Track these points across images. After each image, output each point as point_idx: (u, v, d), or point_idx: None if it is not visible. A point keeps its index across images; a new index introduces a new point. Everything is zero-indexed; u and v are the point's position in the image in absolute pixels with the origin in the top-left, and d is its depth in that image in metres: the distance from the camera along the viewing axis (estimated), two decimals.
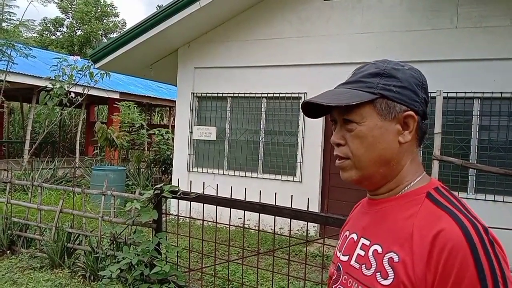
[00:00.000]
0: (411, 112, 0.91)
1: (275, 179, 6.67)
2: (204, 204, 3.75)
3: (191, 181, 3.98)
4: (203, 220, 3.87)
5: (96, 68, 7.93)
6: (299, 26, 6.60)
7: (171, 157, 10.35)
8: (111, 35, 30.27)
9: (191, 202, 3.76)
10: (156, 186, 3.82)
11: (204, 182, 4.01)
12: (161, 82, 19.32)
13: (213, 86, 7.25)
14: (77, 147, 12.63)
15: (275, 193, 4.30)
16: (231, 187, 3.73)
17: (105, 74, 8.62)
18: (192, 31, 7.23)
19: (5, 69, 7.69)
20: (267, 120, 6.87)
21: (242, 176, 6.90)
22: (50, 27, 30.22)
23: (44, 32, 29.79)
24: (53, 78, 8.14)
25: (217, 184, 3.78)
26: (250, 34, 6.97)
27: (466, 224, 0.79)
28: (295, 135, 6.64)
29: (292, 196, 3.64)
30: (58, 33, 30.73)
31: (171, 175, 10.66)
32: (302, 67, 6.60)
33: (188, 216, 4.18)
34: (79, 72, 8.09)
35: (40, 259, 4.45)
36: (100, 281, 3.91)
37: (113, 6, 30.68)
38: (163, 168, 10.42)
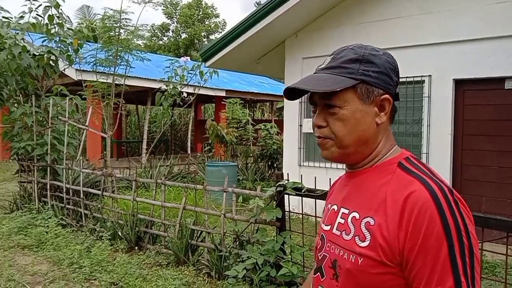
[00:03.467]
0: (387, 96, 1.00)
1: None
2: (317, 200, 3.48)
3: (301, 176, 3.72)
4: (315, 217, 3.58)
5: (206, 67, 8.05)
6: (421, 2, 5.93)
7: (277, 151, 10.28)
8: (213, 36, 31.42)
9: (303, 198, 3.53)
10: (279, 182, 3.60)
11: (315, 177, 3.72)
12: (263, 76, 19.44)
13: None
14: (189, 144, 13.15)
15: None
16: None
17: (214, 73, 8.75)
18: (300, 20, 6.94)
19: (124, 73, 8.16)
20: None
21: None
22: (158, 33, 32.29)
23: (152, 38, 31.95)
24: (167, 79, 8.44)
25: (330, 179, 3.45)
26: (363, 17, 6.47)
27: (433, 186, 0.88)
28: (418, 124, 6.01)
29: None
30: (165, 38, 32.75)
31: (278, 169, 10.67)
32: (425, 47, 5.93)
33: (301, 212, 3.90)
34: (190, 72, 8.29)
35: (165, 255, 4.52)
36: (225, 280, 3.82)
37: (214, 8, 31.78)
38: (270, 163, 10.37)
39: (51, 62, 6.69)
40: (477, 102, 5.66)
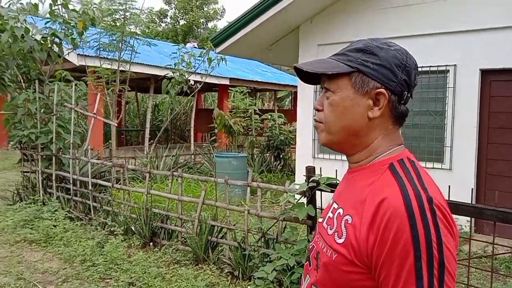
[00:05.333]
0: (382, 90, 0.94)
1: None
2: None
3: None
4: None
5: (216, 53, 7.73)
6: None
7: (284, 142, 10.03)
8: (212, 23, 30.88)
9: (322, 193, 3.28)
10: (312, 177, 3.34)
11: (336, 170, 3.46)
12: (266, 64, 19.08)
13: None
14: (192, 133, 12.86)
15: None
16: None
17: (222, 60, 8.44)
18: (316, 4, 6.63)
19: (129, 59, 7.84)
20: None
21: None
22: (155, 19, 31.66)
23: (150, 24, 31.32)
24: (173, 66, 8.12)
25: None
26: (383, 1, 6.17)
27: (410, 192, 0.85)
28: (442, 115, 5.76)
29: (449, 186, 2.94)
30: (163, 24, 32.10)
31: (284, 160, 10.43)
32: (449, 36, 5.66)
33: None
34: (198, 58, 7.98)
35: (183, 252, 4.28)
36: (251, 281, 3.58)
37: None
38: (276, 154, 10.12)
39: (54, 45, 6.35)
40: (504, 94, 5.42)
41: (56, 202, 5.62)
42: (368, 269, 0.87)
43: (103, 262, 4.00)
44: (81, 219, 5.31)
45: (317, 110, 1.02)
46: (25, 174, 6.57)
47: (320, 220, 1.08)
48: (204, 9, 30.62)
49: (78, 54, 8.65)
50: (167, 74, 8.44)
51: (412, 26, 5.92)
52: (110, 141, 8.01)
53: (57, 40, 6.30)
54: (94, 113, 6.01)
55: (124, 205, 5.02)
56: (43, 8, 6.26)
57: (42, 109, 6.19)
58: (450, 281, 0.82)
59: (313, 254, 1.05)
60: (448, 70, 5.68)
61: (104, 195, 5.46)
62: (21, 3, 6.21)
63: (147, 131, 11.49)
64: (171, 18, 31.45)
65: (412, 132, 5.94)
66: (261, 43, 7.61)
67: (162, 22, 32.04)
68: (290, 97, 20.93)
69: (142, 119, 17.76)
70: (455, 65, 5.59)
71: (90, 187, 5.38)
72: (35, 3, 6.36)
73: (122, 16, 7.59)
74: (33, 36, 6.00)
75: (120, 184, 5.12)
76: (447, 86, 5.69)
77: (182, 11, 29.74)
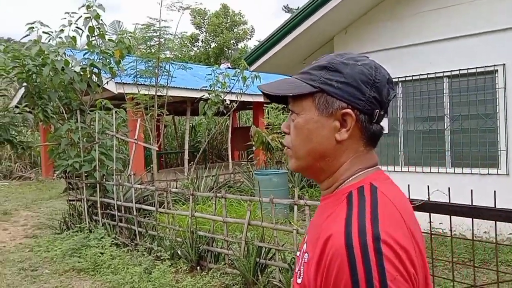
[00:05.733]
0: (348, 110, 0.86)
1: (471, 173, 5.52)
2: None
3: None
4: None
5: (250, 71, 7.71)
6: None
7: None
8: (242, 43, 31.22)
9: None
10: None
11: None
12: None
13: None
14: (229, 152, 12.86)
15: (471, 190, 3.19)
16: (408, 185, 2.95)
17: (256, 77, 8.41)
18: (349, 15, 6.50)
19: (166, 84, 7.95)
20: (452, 103, 5.77)
21: (424, 172, 5.92)
22: (188, 44, 32.39)
23: (182, 49, 32.05)
24: (209, 87, 8.16)
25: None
26: (420, 5, 5.96)
27: (353, 230, 0.75)
28: (493, 118, 5.43)
29: (495, 192, 2.68)
30: (195, 48, 32.79)
31: None
32: (495, 34, 5.36)
33: None
34: (232, 78, 7.98)
35: (231, 276, 4.15)
36: None
37: (241, 15, 31.60)
38: None
39: (93, 75, 6.50)
40: None
41: (102, 229, 5.65)
42: None
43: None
44: (127, 245, 5.30)
45: (285, 133, 0.96)
46: (71, 202, 6.68)
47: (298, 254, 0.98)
48: (234, 30, 31.07)
49: (116, 83, 8.85)
50: (203, 95, 8.49)
51: (452, 27, 5.67)
52: (151, 165, 8.09)
53: (95, 70, 6.45)
54: (135, 139, 6.07)
55: (169, 229, 4.97)
56: (81, 40, 6.44)
57: (85, 138, 6.31)
58: None
59: None
60: (497, 70, 5.37)
61: (148, 219, 5.45)
62: (60, 37, 6.41)
63: (186, 152, 11.57)
64: (202, 41, 32.09)
65: (461, 137, 5.63)
66: (294, 58, 7.53)
67: (194, 46, 32.73)
68: None
69: (180, 141, 18.00)
70: (504, 64, 5.28)
71: (134, 212, 5.39)
72: (73, 36, 6.56)
73: (157, 43, 7.71)
74: (72, 68, 6.17)
75: (164, 207, 5.09)
76: (497, 87, 5.37)
77: (212, 34, 30.29)
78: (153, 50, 7.75)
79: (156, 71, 7.88)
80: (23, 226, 7.21)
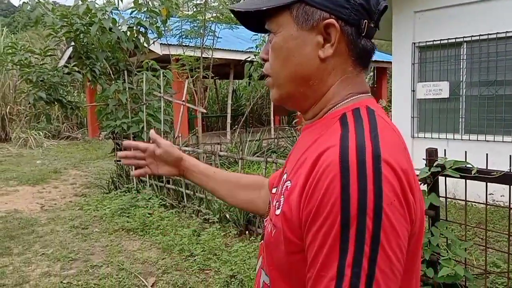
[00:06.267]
0: (331, 20, 0.73)
1: None
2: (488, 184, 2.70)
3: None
4: (486, 204, 2.83)
5: None
6: None
7: None
8: None
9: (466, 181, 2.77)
10: (437, 161, 2.87)
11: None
12: None
13: (441, 32, 5.87)
14: (272, 117, 12.66)
15: None
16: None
17: None
18: None
19: (211, 45, 7.74)
20: None
21: (487, 141, 5.49)
22: (227, 3, 31.82)
23: (222, 10, 31.53)
24: (255, 49, 7.87)
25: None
26: None
27: (350, 144, 0.65)
28: None
29: None
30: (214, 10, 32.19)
31: None
32: None
33: (464, 199, 3.14)
34: None
35: None
36: None
37: None
38: None
39: (140, 35, 6.38)
40: None
41: (150, 190, 5.66)
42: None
43: (201, 252, 3.87)
44: (174, 207, 5.28)
45: (263, 60, 0.84)
46: (118, 163, 6.74)
47: (274, 190, 0.88)
48: None
49: (161, 44, 8.72)
50: (248, 57, 8.23)
51: None
52: (196, 128, 8.03)
53: (142, 30, 6.31)
54: (183, 101, 5.96)
55: None
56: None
57: (132, 99, 6.26)
58: (387, 265, 0.61)
59: (263, 233, 0.86)
60: None
61: None
62: None
63: (229, 116, 11.46)
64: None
65: None
66: None
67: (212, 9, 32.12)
68: (373, 73, 19.91)
69: (221, 105, 17.91)
70: None
71: None
72: None
73: (203, 1, 7.46)
74: (120, 27, 6.06)
75: None
76: None
77: None
78: (199, 9, 7.50)
79: (202, 31, 7.66)
80: (72, 185, 7.39)
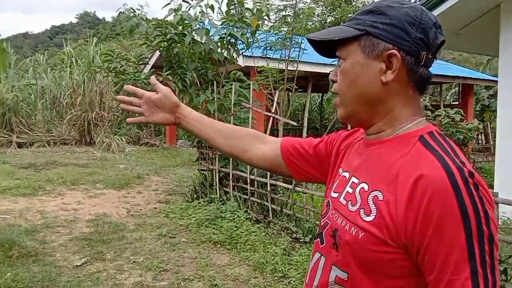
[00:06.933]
0: (393, 51, 0.88)
1: None
2: None
3: None
4: None
5: None
6: None
7: (462, 141, 8.82)
8: None
9: None
10: None
11: None
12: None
13: None
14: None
15: None
16: None
17: None
18: None
19: (296, 58, 7.61)
20: None
21: None
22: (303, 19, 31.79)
23: (296, 24, 31.53)
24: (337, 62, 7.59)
25: None
26: None
27: (451, 166, 0.79)
28: None
29: None
30: (309, 23, 32.11)
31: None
32: None
33: None
34: None
35: None
36: None
37: None
38: None
39: (229, 46, 6.36)
40: None
41: (234, 201, 5.56)
42: (403, 249, 0.80)
43: (297, 274, 3.65)
44: (259, 221, 5.12)
45: (333, 81, 0.98)
46: (202, 172, 6.74)
47: (334, 195, 0.99)
48: (353, 4, 29.62)
49: (244, 55, 8.73)
50: (331, 71, 7.98)
51: None
52: None
53: (232, 40, 6.30)
54: (273, 112, 5.84)
55: (307, 210, 4.66)
56: (220, 7, 6.34)
57: (220, 110, 6.25)
58: (497, 255, 0.77)
59: (328, 231, 0.96)
60: None
61: (280, 196, 5.19)
62: (199, 5, 6.35)
63: (305, 129, 11.23)
64: (318, 16, 31.23)
65: None
66: (446, 28, 6.59)
67: (309, 21, 32.07)
68: (457, 90, 18.77)
69: (293, 117, 17.74)
70: None
71: (268, 188, 5.17)
72: (211, 5, 6.46)
73: (292, 12, 7.35)
74: (212, 37, 6.08)
75: (301, 187, 4.78)
76: None
77: (330, 7, 29.26)
78: (289, 20, 7.40)
79: (288, 43, 7.54)
80: (154, 191, 7.52)
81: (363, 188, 0.90)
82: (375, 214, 0.84)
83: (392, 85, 0.89)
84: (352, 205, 0.90)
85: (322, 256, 0.97)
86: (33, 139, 13.16)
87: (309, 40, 0.97)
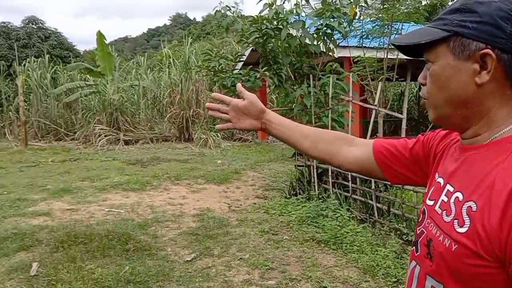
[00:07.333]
0: (487, 50, 0.81)
1: None
2: None
3: None
4: None
5: None
6: None
7: None
8: None
9: None
10: None
11: None
12: None
13: None
14: None
15: None
16: None
17: None
18: None
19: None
20: None
21: None
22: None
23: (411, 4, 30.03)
24: None
25: None
26: None
27: None
28: None
29: None
30: (402, 7, 30.41)
31: None
32: None
33: None
34: None
35: None
36: None
37: None
38: None
39: (325, 37, 6.16)
40: None
41: (334, 199, 5.39)
42: (498, 263, 0.74)
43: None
44: (363, 221, 4.90)
45: (422, 84, 0.93)
46: (299, 168, 6.65)
47: (429, 202, 0.95)
48: None
49: (338, 46, 8.46)
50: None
51: None
52: (377, 134, 7.54)
53: (328, 31, 6.09)
54: (375, 105, 5.55)
55: (417, 210, 4.33)
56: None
57: (316, 104, 6.09)
58: None
59: (423, 241, 0.92)
60: None
61: (387, 195, 4.91)
62: None
63: (404, 121, 10.60)
64: None
65: None
66: None
67: (401, 5, 30.38)
68: None
69: (390, 107, 16.90)
70: None
71: (373, 186, 4.92)
72: None
73: None
74: (308, 29, 5.94)
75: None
76: None
77: None
78: (387, 6, 6.99)
79: (386, 30, 7.13)
80: (252, 186, 7.60)
81: (457, 197, 0.86)
82: (468, 225, 0.80)
83: (487, 86, 0.83)
84: (446, 215, 0.86)
85: (417, 265, 0.95)
86: (138, 136, 14.15)
87: (394, 45, 0.94)
